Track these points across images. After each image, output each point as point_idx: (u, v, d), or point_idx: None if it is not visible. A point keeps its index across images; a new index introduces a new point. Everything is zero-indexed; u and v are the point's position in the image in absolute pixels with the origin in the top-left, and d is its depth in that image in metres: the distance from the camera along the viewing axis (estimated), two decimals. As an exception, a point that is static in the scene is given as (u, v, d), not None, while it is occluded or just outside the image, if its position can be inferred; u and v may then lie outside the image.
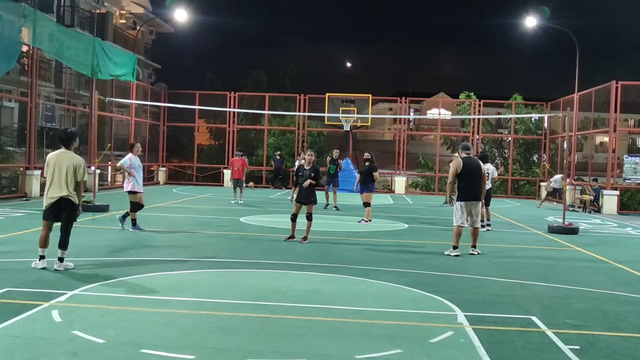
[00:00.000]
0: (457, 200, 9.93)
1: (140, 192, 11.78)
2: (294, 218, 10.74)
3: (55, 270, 7.40)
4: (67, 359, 4.46)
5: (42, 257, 7.51)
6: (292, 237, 10.77)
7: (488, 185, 13.23)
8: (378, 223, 14.28)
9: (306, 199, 10.60)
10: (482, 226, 12.88)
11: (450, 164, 10.28)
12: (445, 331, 5.47)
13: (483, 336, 5.34)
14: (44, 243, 7.51)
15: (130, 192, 11.66)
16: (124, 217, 11.64)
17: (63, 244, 7.51)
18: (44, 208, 7.62)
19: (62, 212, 7.50)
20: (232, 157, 23.10)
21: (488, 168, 13.29)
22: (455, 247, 9.83)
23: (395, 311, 6.16)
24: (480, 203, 10.07)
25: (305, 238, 10.66)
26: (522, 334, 5.55)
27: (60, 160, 7.49)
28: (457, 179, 9.88)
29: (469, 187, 9.84)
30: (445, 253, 9.90)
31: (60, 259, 7.51)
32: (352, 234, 12.37)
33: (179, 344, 4.85)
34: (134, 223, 11.53)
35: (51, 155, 7.66)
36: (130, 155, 11.96)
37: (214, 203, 18.83)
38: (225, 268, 8.18)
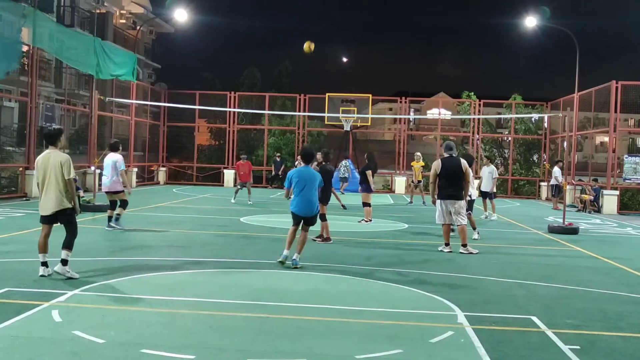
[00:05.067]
0: (437, 198, 10.28)
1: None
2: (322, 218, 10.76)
3: (55, 272, 7.03)
4: (67, 359, 4.46)
5: (43, 264, 7.12)
6: (321, 236, 10.83)
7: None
8: (378, 223, 14.28)
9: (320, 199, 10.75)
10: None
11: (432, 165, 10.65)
12: (445, 331, 5.46)
13: (483, 336, 5.34)
14: (43, 248, 7.13)
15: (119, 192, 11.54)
16: (115, 219, 11.48)
17: (68, 245, 7.15)
18: (40, 213, 7.28)
19: (61, 221, 7.21)
20: (235, 158, 23.14)
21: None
22: (446, 244, 10.23)
23: (395, 311, 6.16)
24: (460, 202, 10.17)
25: (328, 239, 10.74)
26: (522, 334, 5.55)
27: (47, 161, 7.18)
28: (437, 178, 10.21)
29: (447, 186, 10.16)
30: (439, 249, 10.26)
31: (63, 262, 7.05)
32: (352, 234, 12.37)
33: (179, 344, 4.85)
34: (117, 219, 11.47)
35: (39, 158, 7.32)
36: (121, 155, 11.77)
37: (214, 203, 18.83)
38: (225, 268, 8.18)
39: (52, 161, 7.18)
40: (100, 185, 14.05)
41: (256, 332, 5.28)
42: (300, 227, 8.61)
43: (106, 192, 11.57)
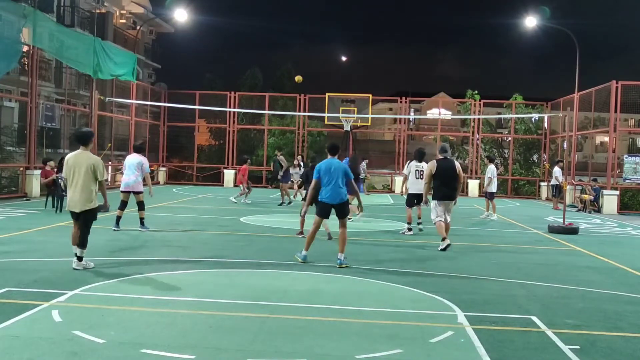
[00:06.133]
0: (433, 199, 10.64)
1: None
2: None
3: (74, 269, 7.52)
4: (67, 359, 4.47)
5: (76, 256, 7.59)
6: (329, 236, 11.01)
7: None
8: (378, 223, 14.27)
9: None
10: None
11: (426, 166, 11.08)
12: (445, 331, 5.47)
13: (483, 336, 5.34)
14: (75, 239, 7.63)
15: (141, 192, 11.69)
16: (141, 224, 11.61)
17: (82, 243, 7.64)
18: (68, 209, 7.79)
19: (80, 216, 7.66)
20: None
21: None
22: (444, 239, 10.43)
23: (395, 311, 6.16)
24: (453, 202, 10.62)
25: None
26: (522, 334, 5.55)
27: (79, 161, 7.62)
28: (432, 179, 10.54)
29: (442, 187, 10.51)
30: (439, 248, 10.35)
31: (79, 258, 7.61)
32: (352, 233, 12.30)
33: (179, 344, 4.85)
34: (142, 224, 11.61)
35: (69, 156, 7.78)
36: (145, 158, 12.01)
37: (214, 203, 18.84)
38: (225, 268, 8.18)
39: (84, 162, 7.63)
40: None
41: (256, 332, 5.28)
42: (333, 223, 8.94)
43: (125, 192, 11.57)
